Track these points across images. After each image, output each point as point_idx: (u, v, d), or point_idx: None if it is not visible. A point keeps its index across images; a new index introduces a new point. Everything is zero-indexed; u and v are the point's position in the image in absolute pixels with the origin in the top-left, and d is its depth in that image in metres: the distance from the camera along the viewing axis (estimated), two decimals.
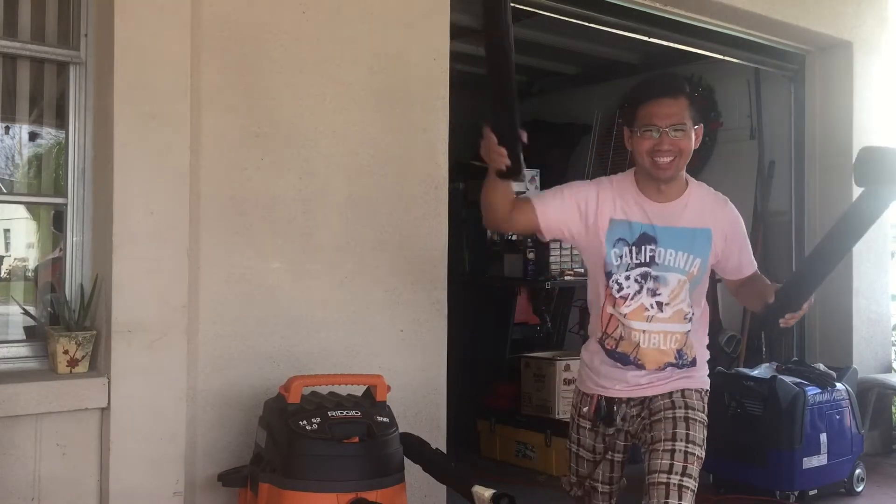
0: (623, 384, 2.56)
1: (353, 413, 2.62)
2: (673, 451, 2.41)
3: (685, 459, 2.40)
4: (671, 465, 2.39)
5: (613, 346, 2.55)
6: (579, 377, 2.72)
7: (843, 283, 5.32)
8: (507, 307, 5.58)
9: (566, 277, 5.43)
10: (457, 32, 4.19)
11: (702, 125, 2.53)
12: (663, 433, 2.45)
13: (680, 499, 2.35)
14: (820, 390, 4.30)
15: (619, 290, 2.50)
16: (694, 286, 2.52)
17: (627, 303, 2.50)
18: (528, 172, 5.91)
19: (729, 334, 5.82)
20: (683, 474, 2.38)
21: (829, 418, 4.30)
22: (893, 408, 5.56)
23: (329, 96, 3.26)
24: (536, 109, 7.16)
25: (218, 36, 3.01)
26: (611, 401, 2.58)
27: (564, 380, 4.77)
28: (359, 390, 2.85)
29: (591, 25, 4.56)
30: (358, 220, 3.33)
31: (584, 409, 2.64)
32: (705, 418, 2.53)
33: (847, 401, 4.42)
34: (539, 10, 4.34)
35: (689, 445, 2.43)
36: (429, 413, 3.47)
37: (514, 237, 5.87)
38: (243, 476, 2.74)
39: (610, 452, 2.63)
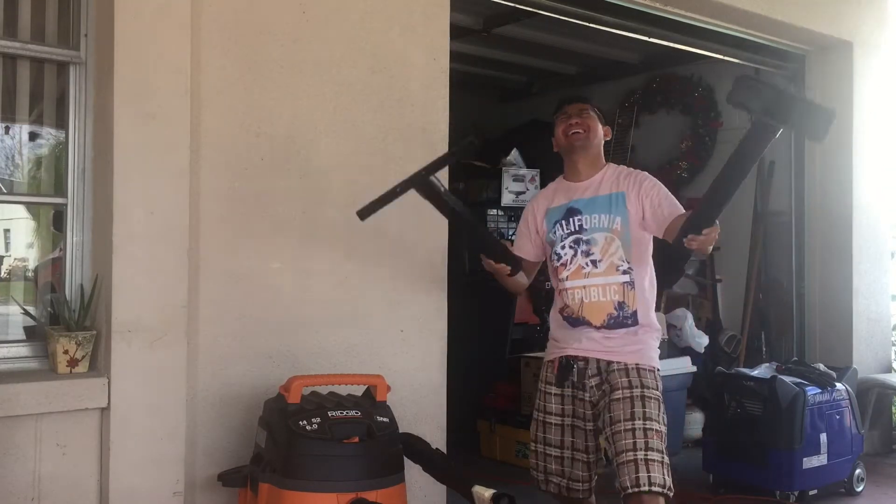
0: (577, 342, 2.89)
1: (353, 413, 2.62)
2: (633, 430, 2.68)
3: (645, 435, 2.66)
4: (634, 443, 2.66)
5: (568, 314, 2.94)
6: (546, 355, 3.03)
7: (843, 283, 5.32)
8: (507, 307, 5.58)
9: None
10: (457, 32, 4.20)
11: (609, 128, 3.13)
12: (622, 414, 2.71)
13: (648, 471, 2.61)
14: (820, 390, 4.30)
15: (559, 260, 2.96)
16: (625, 243, 2.87)
17: (567, 266, 2.93)
18: (528, 172, 5.92)
19: (729, 334, 5.82)
20: (647, 449, 2.64)
21: (829, 418, 4.30)
22: (893, 408, 5.56)
23: (329, 96, 3.26)
24: (536, 109, 7.17)
25: (218, 36, 3.02)
26: (570, 358, 2.89)
27: None
28: (358, 390, 2.85)
29: (591, 25, 4.57)
30: (358, 220, 3.32)
31: (548, 374, 2.95)
32: (660, 395, 2.80)
33: (847, 401, 4.42)
34: (539, 10, 4.34)
35: (647, 422, 2.69)
36: (429, 413, 3.47)
37: (514, 237, 5.88)
38: (243, 476, 2.74)
39: (578, 420, 2.87)
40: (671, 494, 2.65)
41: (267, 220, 3.12)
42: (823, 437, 4.25)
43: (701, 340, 5.42)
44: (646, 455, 2.63)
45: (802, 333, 5.53)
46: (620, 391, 2.75)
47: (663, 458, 2.66)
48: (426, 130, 3.50)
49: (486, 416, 5.15)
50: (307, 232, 3.20)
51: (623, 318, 2.85)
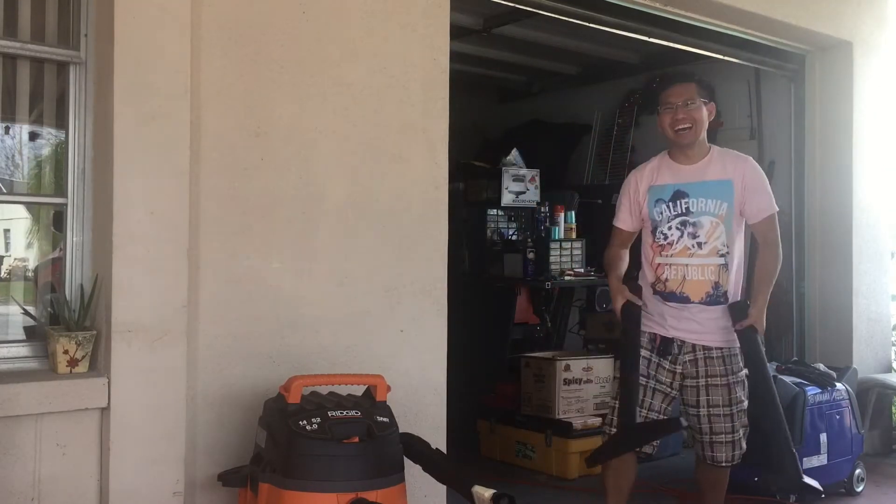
0: (676, 321, 3.23)
1: (353, 413, 2.62)
2: (731, 415, 3.21)
3: (738, 419, 3.22)
4: (732, 426, 3.21)
5: (663, 289, 3.25)
6: (644, 322, 3.32)
7: (843, 283, 5.32)
8: (507, 307, 5.58)
9: (566, 277, 5.43)
10: (457, 32, 4.20)
11: (713, 103, 3.27)
12: (721, 399, 3.21)
13: (734, 449, 3.24)
14: (820, 390, 4.30)
15: (664, 238, 3.24)
16: (728, 228, 3.18)
17: (674, 246, 3.22)
18: (528, 172, 5.92)
19: None
20: (734, 431, 3.22)
21: (829, 418, 4.30)
22: (893, 408, 5.55)
23: (329, 96, 3.26)
24: (536, 109, 7.17)
25: (218, 36, 3.01)
26: (667, 339, 3.25)
27: (564, 380, 4.77)
28: (358, 390, 2.85)
29: (591, 25, 4.57)
30: (358, 220, 3.33)
31: (645, 342, 3.28)
32: (743, 376, 3.25)
33: (847, 401, 4.42)
34: (539, 10, 4.34)
35: (738, 405, 3.22)
36: (429, 413, 3.47)
37: (514, 236, 5.89)
38: (243, 476, 2.74)
39: (663, 385, 3.26)
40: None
41: (267, 220, 3.12)
42: (823, 437, 4.25)
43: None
44: (734, 437, 3.23)
45: (802, 333, 5.52)
46: (719, 378, 3.21)
47: (746, 431, 3.26)
48: (426, 130, 3.50)
49: (486, 416, 5.15)
50: (307, 232, 3.20)
51: (717, 297, 3.20)
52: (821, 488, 3.46)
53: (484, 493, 2.54)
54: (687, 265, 3.19)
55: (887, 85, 5.58)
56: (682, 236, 3.20)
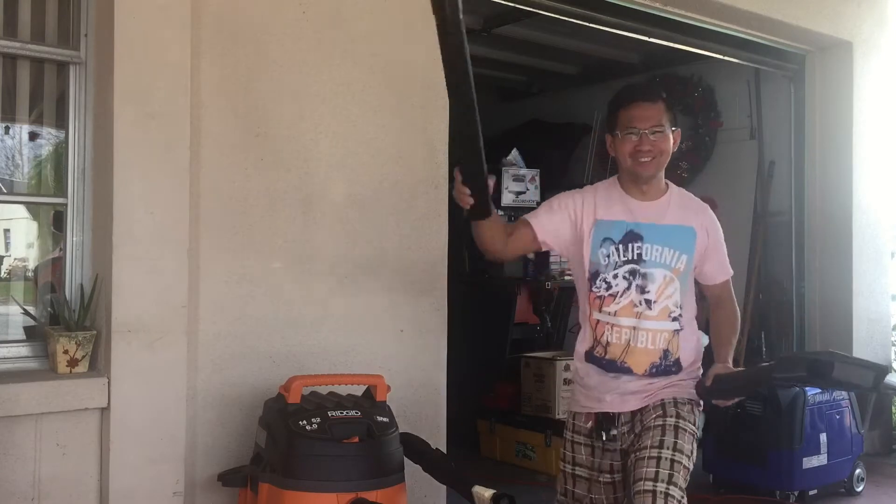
0: (613, 394, 2.54)
1: (353, 413, 2.62)
2: (659, 459, 2.38)
3: (671, 467, 2.36)
4: (657, 473, 2.35)
5: (602, 354, 2.55)
6: (571, 399, 2.73)
7: (843, 283, 5.32)
8: (507, 307, 5.57)
9: (566, 277, 5.43)
10: None
11: (678, 129, 2.61)
12: (650, 440, 2.43)
13: (673, 469, 2.35)
14: (820, 390, 4.30)
15: (607, 289, 2.54)
16: (682, 285, 2.55)
17: (617, 300, 2.53)
18: (528, 172, 5.92)
19: None
20: (669, 482, 2.34)
21: (829, 418, 4.30)
22: (893, 408, 5.56)
23: (329, 96, 3.26)
24: (536, 109, 7.16)
25: (218, 36, 3.01)
26: (606, 416, 2.56)
27: (564, 380, 4.77)
28: (358, 390, 2.85)
29: (591, 25, 4.56)
30: (358, 220, 3.33)
31: (577, 424, 2.63)
32: (695, 430, 2.52)
33: (847, 401, 4.42)
34: (539, 10, 4.34)
35: (676, 454, 2.39)
36: (429, 413, 3.47)
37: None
38: (243, 476, 2.74)
39: (605, 474, 2.58)
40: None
41: (267, 219, 3.12)
42: (823, 437, 4.25)
43: (701, 340, 5.41)
44: (666, 489, 2.33)
45: (802, 333, 5.53)
46: (653, 419, 2.47)
47: (682, 496, 2.37)
48: (426, 130, 3.50)
49: (486, 416, 5.15)
50: (307, 232, 3.20)
51: (667, 367, 2.54)
52: None
53: (484, 493, 2.53)
54: (634, 328, 2.50)
55: (887, 85, 5.58)
56: (628, 288, 2.51)
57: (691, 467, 2.45)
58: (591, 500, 2.59)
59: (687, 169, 6.20)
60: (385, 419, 2.68)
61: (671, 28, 4.77)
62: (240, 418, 3.03)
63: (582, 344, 2.63)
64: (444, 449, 3.29)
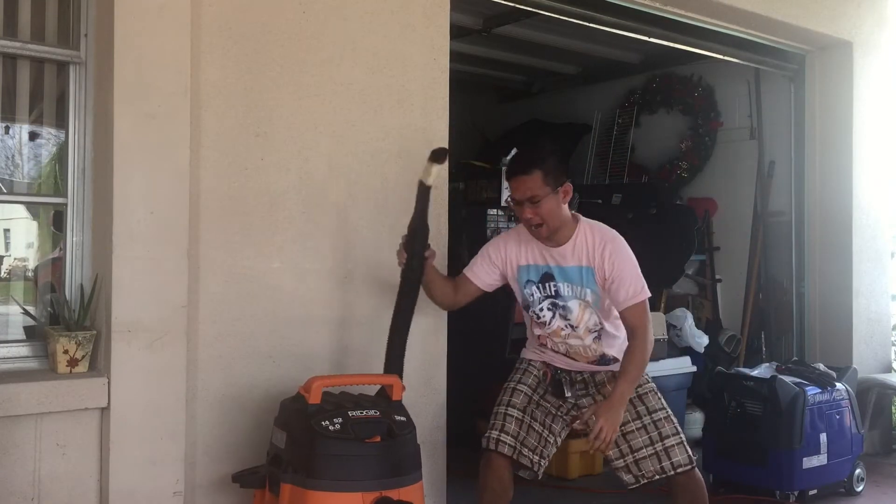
0: (563, 363, 3.11)
1: (372, 413, 2.64)
2: (644, 427, 2.95)
3: (656, 427, 2.94)
4: (650, 438, 2.94)
5: (550, 346, 3.13)
6: (527, 351, 3.24)
7: (843, 283, 5.32)
8: (507, 307, 5.57)
9: None
10: (457, 32, 4.19)
11: (567, 182, 2.95)
12: (627, 415, 2.92)
13: (669, 457, 2.91)
14: (820, 390, 4.30)
15: (538, 318, 3.10)
16: (597, 307, 3.02)
17: (547, 326, 3.09)
18: None
19: (729, 334, 5.82)
20: (661, 438, 2.93)
21: (829, 418, 4.29)
22: (893, 408, 5.56)
23: (329, 96, 3.26)
24: (536, 109, 7.17)
25: (218, 36, 3.01)
26: (557, 370, 3.11)
27: None
28: (363, 389, 2.86)
29: (591, 25, 4.56)
30: (358, 219, 3.33)
31: (534, 366, 3.17)
32: (652, 384, 3.04)
33: (847, 401, 4.42)
34: (539, 10, 4.34)
35: (653, 414, 2.97)
36: (429, 413, 3.47)
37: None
38: (261, 477, 2.72)
39: (546, 402, 3.09)
40: (694, 462, 2.94)
41: (267, 220, 3.12)
42: (823, 436, 4.24)
43: (701, 340, 5.42)
44: (663, 444, 2.93)
45: (802, 333, 5.53)
46: (631, 422, 2.96)
47: (679, 437, 2.95)
48: (426, 130, 3.50)
49: (486, 416, 5.13)
50: (307, 232, 3.20)
51: (605, 361, 3.09)
52: None
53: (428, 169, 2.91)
54: (566, 341, 3.08)
55: (887, 85, 5.58)
56: (553, 317, 3.06)
57: (670, 410, 3.01)
58: (533, 413, 3.03)
59: (687, 169, 6.21)
60: (403, 418, 2.71)
61: (671, 28, 4.77)
62: (240, 418, 3.03)
63: (531, 338, 3.21)
64: (443, 448, 3.29)
